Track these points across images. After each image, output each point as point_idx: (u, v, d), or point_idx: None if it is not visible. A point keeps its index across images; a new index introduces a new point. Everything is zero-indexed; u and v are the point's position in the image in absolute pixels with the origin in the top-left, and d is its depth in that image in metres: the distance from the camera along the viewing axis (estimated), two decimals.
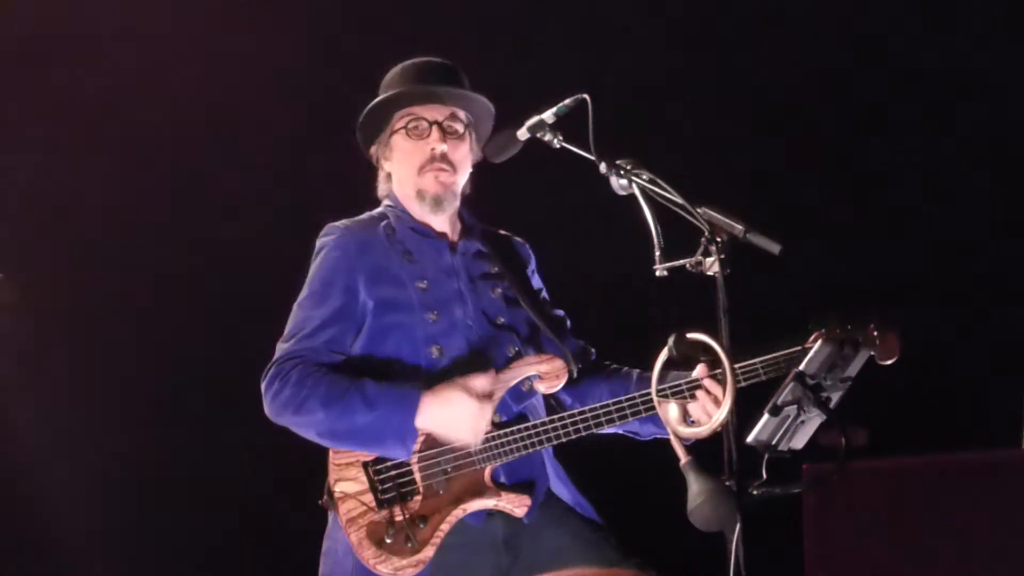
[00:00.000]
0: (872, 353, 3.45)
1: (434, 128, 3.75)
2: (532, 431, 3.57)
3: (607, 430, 3.67)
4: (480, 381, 3.54)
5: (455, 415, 3.50)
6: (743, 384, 3.48)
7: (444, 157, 3.74)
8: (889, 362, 3.50)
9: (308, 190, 5.33)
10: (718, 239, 3.03)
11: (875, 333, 3.44)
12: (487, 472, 3.57)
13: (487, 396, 3.53)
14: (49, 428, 5.22)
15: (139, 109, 5.35)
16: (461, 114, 3.79)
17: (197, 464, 5.36)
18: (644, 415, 3.54)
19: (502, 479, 3.59)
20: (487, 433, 3.56)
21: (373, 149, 3.85)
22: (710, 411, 3.45)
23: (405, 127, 3.76)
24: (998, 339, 5.49)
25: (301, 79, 5.44)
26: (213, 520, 5.41)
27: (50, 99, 5.31)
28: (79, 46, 5.30)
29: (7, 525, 5.20)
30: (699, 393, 3.49)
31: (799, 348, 3.42)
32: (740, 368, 3.48)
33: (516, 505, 3.56)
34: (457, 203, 3.79)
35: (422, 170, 3.74)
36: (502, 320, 3.74)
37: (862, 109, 5.69)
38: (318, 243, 3.75)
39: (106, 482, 5.31)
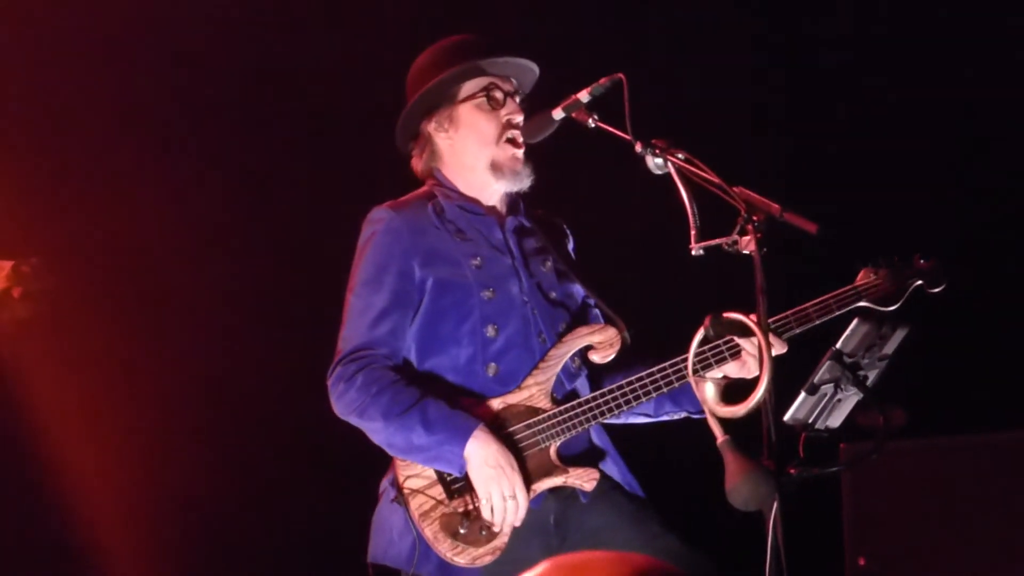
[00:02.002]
0: (921, 282, 3.63)
1: (508, 99, 3.77)
2: (591, 403, 3.58)
3: (621, 420, 3.70)
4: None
5: (500, 465, 3.47)
6: (795, 332, 3.53)
7: (519, 127, 3.75)
8: (938, 290, 3.64)
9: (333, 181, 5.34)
10: (755, 218, 3.02)
11: (921, 261, 3.64)
12: (552, 450, 3.57)
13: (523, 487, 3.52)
14: (83, 416, 5.23)
15: (170, 101, 5.37)
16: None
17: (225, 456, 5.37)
18: (685, 381, 3.53)
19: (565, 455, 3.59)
20: (546, 412, 3.57)
21: (426, 123, 3.80)
22: (754, 365, 3.48)
23: (486, 96, 3.75)
24: None
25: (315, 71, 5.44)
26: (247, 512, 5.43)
27: (83, 92, 5.33)
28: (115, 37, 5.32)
29: (33, 515, 5.22)
30: (744, 344, 3.51)
31: (843, 290, 3.60)
32: (787, 314, 3.55)
33: (585, 480, 3.56)
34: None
35: (499, 141, 3.74)
36: (555, 295, 3.74)
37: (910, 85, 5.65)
38: (366, 228, 3.71)
39: (136, 470, 5.32)
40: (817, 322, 3.57)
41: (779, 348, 3.45)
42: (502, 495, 3.47)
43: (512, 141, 3.75)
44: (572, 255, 3.91)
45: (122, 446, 5.25)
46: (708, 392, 3.13)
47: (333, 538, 4.72)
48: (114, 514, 5.28)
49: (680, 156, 3.23)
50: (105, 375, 5.26)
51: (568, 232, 3.95)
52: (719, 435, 3.01)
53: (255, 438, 5.34)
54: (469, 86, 3.77)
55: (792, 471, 2.96)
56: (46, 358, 5.11)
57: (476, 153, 3.76)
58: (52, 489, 5.22)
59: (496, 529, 3.49)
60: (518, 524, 3.50)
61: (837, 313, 3.58)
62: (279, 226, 5.40)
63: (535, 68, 3.82)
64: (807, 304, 3.58)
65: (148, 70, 5.34)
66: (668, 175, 3.24)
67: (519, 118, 3.75)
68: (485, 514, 3.48)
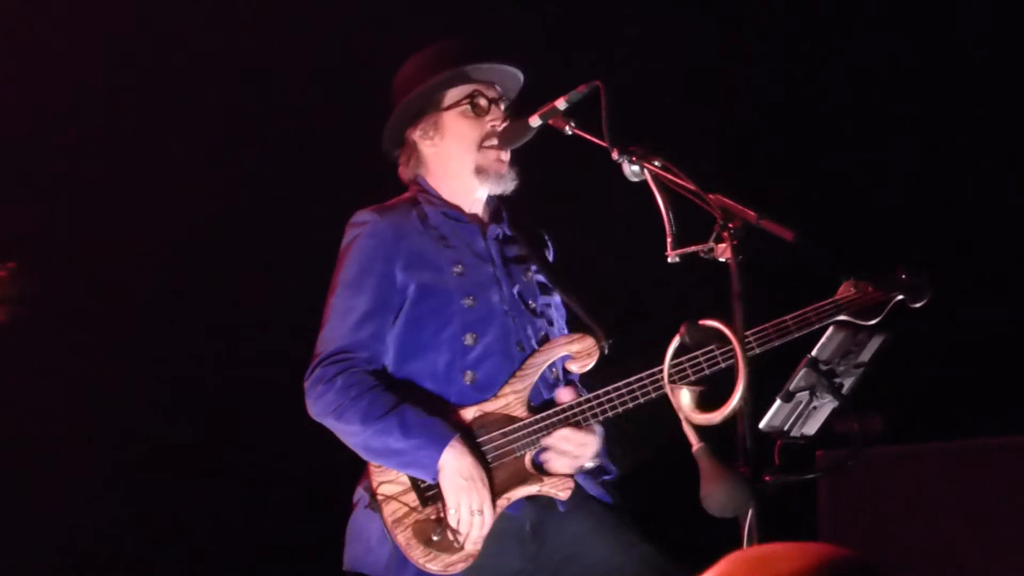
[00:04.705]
0: (902, 297, 3.60)
1: (493, 106, 3.77)
2: (567, 413, 3.58)
3: None
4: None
5: (472, 478, 3.48)
6: (774, 344, 3.53)
7: None
8: (920, 304, 3.61)
9: (322, 183, 5.32)
10: (731, 225, 3.03)
11: (904, 276, 3.61)
12: (527, 458, 3.58)
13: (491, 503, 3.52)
14: (59, 420, 5.21)
15: (153, 103, 5.35)
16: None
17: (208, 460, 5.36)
18: (654, 395, 3.54)
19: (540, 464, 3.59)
20: (522, 420, 3.57)
21: (411, 130, 3.80)
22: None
23: (471, 103, 3.76)
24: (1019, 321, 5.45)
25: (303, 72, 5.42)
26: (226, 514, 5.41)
27: (66, 95, 5.31)
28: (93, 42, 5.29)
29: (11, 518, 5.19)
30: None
31: (823, 303, 3.60)
32: (767, 326, 3.54)
33: (560, 488, 3.57)
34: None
35: (481, 146, 3.74)
36: (535, 304, 3.75)
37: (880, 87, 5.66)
38: (350, 231, 3.73)
39: (115, 475, 5.30)
40: (796, 335, 3.57)
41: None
42: (470, 508, 3.47)
43: (496, 146, 3.75)
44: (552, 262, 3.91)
45: (98, 450, 5.24)
46: (684, 399, 3.12)
47: (306, 546, 4.71)
48: (88, 519, 5.26)
49: (657, 163, 3.23)
50: (81, 381, 5.25)
51: (548, 242, 3.95)
52: (695, 442, 3.01)
53: (232, 445, 5.33)
54: (453, 93, 3.78)
55: (768, 478, 2.96)
56: (21, 363, 5.09)
57: (460, 160, 3.76)
58: (27, 491, 5.20)
59: (461, 540, 3.49)
60: (479, 541, 3.50)
61: (816, 326, 3.57)
62: (262, 228, 5.39)
63: (519, 74, 3.83)
64: (786, 316, 3.58)
65: (129, 71, 5.32)
66: (645, 182, 3.24)
67: (505, 125, 3.75)
68: (451, 523, 3.48)
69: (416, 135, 3.80)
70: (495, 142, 3.74)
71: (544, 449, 3.57)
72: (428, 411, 3.53)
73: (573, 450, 3.55)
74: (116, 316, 5.34)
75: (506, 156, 3.77)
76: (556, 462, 3.57)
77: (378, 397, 3.52)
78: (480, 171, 3.75)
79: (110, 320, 5.33)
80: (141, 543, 5.36)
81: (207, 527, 5.35)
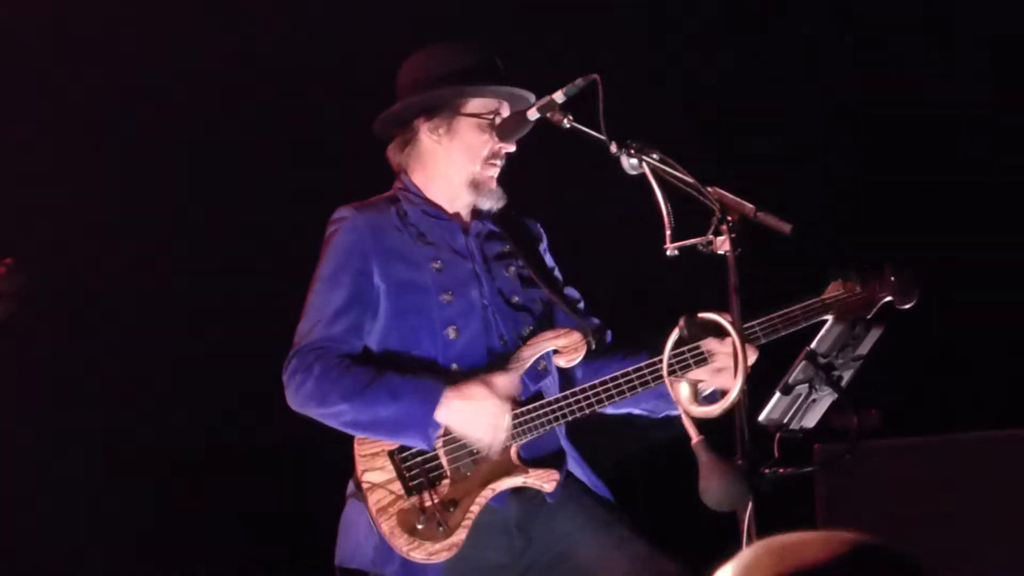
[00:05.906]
0: (890, 298, 3.56)
1: None
2: (555, 405, 3.58)
3: (624, 409, 3.69)
4: (502, 380, 3.55)
5: (476, 412, 3.50)
6: (761, 342, 3.53)
7: (504, 158, 3.77)
8: (908, 305, 3.58)
9: (313, 178, 5.31)
10: (729, 219, 3.03)
11: (892, 277, 3.56)
12: (513, 450, 3.57)
13: (509, 397, 3.53)
14: (54, 421, 5.21)
15: (145, 97, 5.34)
16: None
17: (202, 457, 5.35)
18: (653, 386, 3.54)
19: (527, 456, 3.60)
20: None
21: (421, 120, 3.77)
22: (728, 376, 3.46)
23: (492, 119, 3.73)
24: (1015, 316, 5.45)
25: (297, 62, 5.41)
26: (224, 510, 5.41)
27: (57, 86, 5.29)
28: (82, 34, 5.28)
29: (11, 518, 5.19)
30: (714, 351, 3.50)
31: (810, 301, 3.57)
32: (753, 324, 3.52)
33: (545, 480, 3.57)
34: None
35: (486, 162, 3.74)
36: (517, 299, 3.75)
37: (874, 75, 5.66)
38: (329, 227, 3.74)
39: (106, 475, 5.30)
40: (783, 333, 3.57)
41: (751, 355, 3.44)
42: (490, 427, 3.51)
43: (495, 166, 3.76)
44: (546, 255, 3.91)
45: (93, 445, 5.23)
46: (683, 392, 3.13)
47: (302, 541, 4.71)
48: (80, 516, 5.25)
49: (654, 156, 3.23)
50: (75, 375, 5.24)
51: (542, 232, 3.95)
52: (694, 435, 3.01)
53: (223, 439, 5.32)
54: (478, 103, 3.76)
55: (766, 471, 2.97)
56: (19, 359, 5.09)
57: (460, 167, 3.75)
58: (22, 490, 5.20)
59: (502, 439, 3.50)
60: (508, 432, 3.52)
61: (804, 325, 3.56)
62: (261, 226, 5.38)
63: (531, 100, 3.81)
64: (774, 315, 3.57)
65: (122, 67, 5.31)
66: (643, 175, 3.24)
67: (511, 150, 3.75)
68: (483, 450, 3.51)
69: (425, 127, 3.77)
70: (496, 163, 3.75)
71: (528, 442, 3.58)
72: (411, 373, 3.54)
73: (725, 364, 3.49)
74: (114, 315, 5.33)
75: (495, 172, 3.76)
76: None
77: (358, 372, 3.54)
78: (474, 184, 3.75)
79: (107, 319, 5.32)
80: (138, 542, 5.35)
81: (202, 525, 5.34)
